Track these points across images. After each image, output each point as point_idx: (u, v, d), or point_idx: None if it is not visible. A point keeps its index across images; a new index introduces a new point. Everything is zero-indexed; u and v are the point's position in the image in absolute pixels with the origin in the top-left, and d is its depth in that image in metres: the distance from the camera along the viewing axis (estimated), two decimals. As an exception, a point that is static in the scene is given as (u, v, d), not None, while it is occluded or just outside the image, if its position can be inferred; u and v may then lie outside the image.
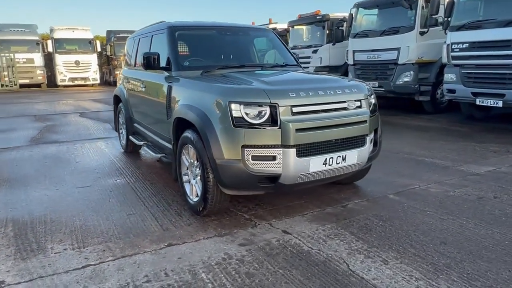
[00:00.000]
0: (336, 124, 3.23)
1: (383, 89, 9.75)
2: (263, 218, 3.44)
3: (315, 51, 12.16)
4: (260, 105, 3.04)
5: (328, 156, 3.19)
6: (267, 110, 3.04)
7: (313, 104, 3.17)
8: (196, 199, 3.46)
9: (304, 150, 3.10)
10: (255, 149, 3.05)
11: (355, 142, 3.37)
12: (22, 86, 20.67)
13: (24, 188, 4.33)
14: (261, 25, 15.58)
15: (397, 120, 8.84)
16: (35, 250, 2.90)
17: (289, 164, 3.06)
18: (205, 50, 4.39)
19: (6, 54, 19.96)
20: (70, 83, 21.97)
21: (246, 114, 3.03)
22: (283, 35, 14.19)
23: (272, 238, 3.04)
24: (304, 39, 13.13)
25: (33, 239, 3.07)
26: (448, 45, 8.05)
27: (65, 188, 4.32)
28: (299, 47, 12.95)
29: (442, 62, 8.41)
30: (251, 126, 3.03)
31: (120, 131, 6.18)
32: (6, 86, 20.18)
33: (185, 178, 3.65)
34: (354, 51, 10.55)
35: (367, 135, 3.44)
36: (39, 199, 3.97)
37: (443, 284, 2.39)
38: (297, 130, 3.04)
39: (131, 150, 5.86)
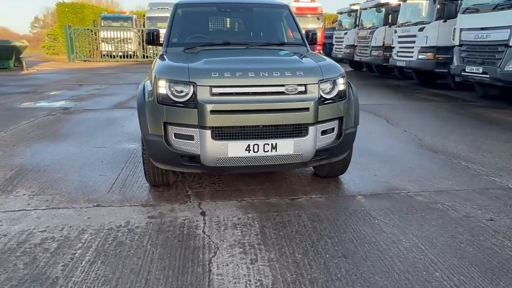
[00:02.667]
0: (263, 109, 2.99)
1: (488, 76, 8.10)
2: (201, 197, 3.45)
3: (421, 29, 10.74)
4: (181, 83, 3.02)
5: (252, 142, 3.00)
6: (189, 89, 3.00)
7: (237, 86, 2.99)
8: (148, 169, 3.67)
9: (221, 133, 2.99)
10: (176, 127, 3.07)
11: (291, 130, 3.06)
12: (163, 58, 23.60)
13: (60, 142, 5.21)
14: (374, -1, 14.36)
15: (490, 114, 7.33)
16: (7, 191, 3.56)
17: (206, 146, 2.99)
18: (202, 27, 4.44)
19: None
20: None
21: (171, 91, 3.06)
22: (396, 11, 12.85)
23: (182, 217, 3.06)
24: (414, 15, 11.65)
25: (15, 183, 3.75)
26: None
27: (87, 146, 5.03)
28: (406, 24, 11.59)
29: None
30: (173, 103, 3.05)
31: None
32: (150, 57, 23.36)
33: (150, 149, 3.88)
34: (461, 30, 8.97)
35: (310, 124, 3.07)
36: (59, 152, 4.75)
37: (279, 298, 2.12)
38: (213, 111, 2.93)
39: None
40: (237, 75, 3.00)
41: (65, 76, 14.82)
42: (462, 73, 8.93)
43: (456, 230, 2.87)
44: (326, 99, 3.18)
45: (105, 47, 22.45)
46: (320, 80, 3.13)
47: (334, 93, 3.23)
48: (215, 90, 2.98)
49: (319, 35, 22.64)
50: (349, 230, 2.86)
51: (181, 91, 3.03)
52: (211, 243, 2.68)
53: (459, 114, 7.41)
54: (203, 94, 2.97)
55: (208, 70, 3.04)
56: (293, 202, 3.37)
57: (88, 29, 22.39)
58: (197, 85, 2.97)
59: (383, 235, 2.79)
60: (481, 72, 8.29)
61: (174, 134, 3.09)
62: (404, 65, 11.65)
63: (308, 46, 4.35)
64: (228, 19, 4.55)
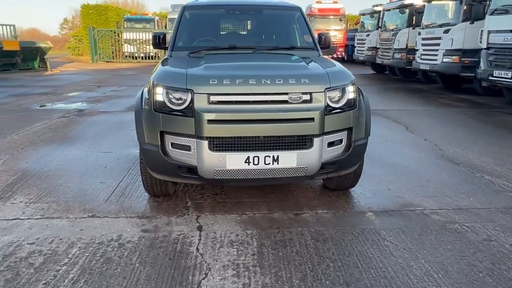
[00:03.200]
0: (265, 119, 2.79)
1: (517, 81, 7.65)
2: (200, 209, 3.28)
3: (446, 31, 10.28)
4: (179, 90, 2.86)
5: (252, 154, 2.81)
6: (187, 97, 2.84)
7: (236, 94, 2.80)
8: (147, 178, 3.52)
9: (219, 144, 2.81)
10: (174, 137, 2.91)
11: (294, 142, 2.85)
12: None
13: (68, 146, 5.16)
14: None
15: (518, 123, 6.88)
16: (4, 198, 3.48)
17: (203, 157, 2.82)
18: (209, 30, 4.27)
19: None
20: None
21: (168, 98, 2.90)
22: (420, 12, 12.40)
23: (178, 232, 2.90)
24: (439, 17, 11.18)
25: (14, 189, 3.68)
26: None
27: (93, 150, 4.95)
28: (431, 26, 11.14)
29: None
30: (170, 112, 2.89)
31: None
32: (171, 58, 23.48)
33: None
34: (489, 32, 8.51)
35: (315, 135, 2.86)
36: (64, 157, 4.68)
37: (269, 332, 1.92)
38: (210, 121, 2.76)
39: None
40: (237, 82, 2.82)
41: (86, 77, 15.03)
42: (490, 78, 8.48)
43: (474, 256, 2.59)
44: (334, 109, 2.96)
45: (127, 48, 22.69)
46: (327, 88, 2.91)
47: (343, 102, 3.00)
48: (213, 98, 2.80)
49: (341, 37, 22.39)
50: (354, 253, 2.63)
51: (179, 99, 2.87)
52: (203, 262, 2.50)
53: (485, 122, 6.99)
54: (200, 102, 2.80)
55: (206, 76, 2.87)
56: (297, 217, 3.15)
57: (111, 31, 22.70)
58: (194, 93, 2.80)
59: (392, 260, 2.54)
60: (510, 77, 7.84)
61: (171, 143, 2.94)
62: (428, 68, 11.20)
63: (319, 50, 4.12)
64: (237, 22, 4.38)
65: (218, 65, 3.26)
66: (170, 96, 2.89)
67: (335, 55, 21.88)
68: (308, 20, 4.37)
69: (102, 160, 4.55)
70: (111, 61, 22.54)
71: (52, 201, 3.42)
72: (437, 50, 10.64)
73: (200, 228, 2.95)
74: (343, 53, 22.38)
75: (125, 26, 23.80)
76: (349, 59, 21.37)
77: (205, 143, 2.79)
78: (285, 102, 2.84)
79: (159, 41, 4.19)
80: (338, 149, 3.05)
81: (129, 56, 22.81)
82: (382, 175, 4.11)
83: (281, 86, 2.83)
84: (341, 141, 3.05)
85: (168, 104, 2.89)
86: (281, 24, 4.35)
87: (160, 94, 2.92)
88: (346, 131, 3.06)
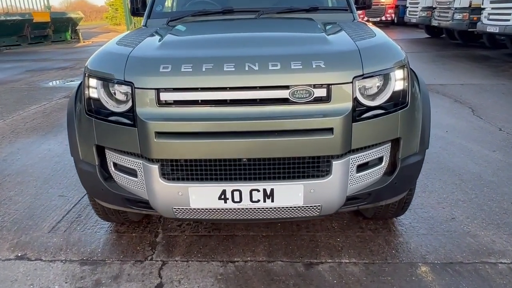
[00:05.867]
0: (249, 130, 1.68)
1: None
2: (171, 249, 2.29)
3: (525, -16, 8.29)
4: (117, 82, 1.81)
5: (229, 186, 1.73)
6: (129, 92, 1.79)
7: (203, 89, 1.70)
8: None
9: (177, 171, 1.75)
10: (115, 154, 1.90)
11: (299, 167, 1.74)
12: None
13: (49, 138, 4.34)
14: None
15: None
16: None
17: (154, 189, 1.79)
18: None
19: None
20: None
21: (106, 95, 1.87)
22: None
23: (124, 295, 1.94)
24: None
25: (-49, 205, 2.89)
26: None
27: (75, 145, 4.10)
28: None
29: None
30: (108, 116, 1.86)
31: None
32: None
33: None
34: None
35: (336, 156, 1.72)
36: (37, 154, 3.86)
37: None
38: (161, 134, 1.70)
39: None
40: (204, 69, 1.71)
41: (114, 48, 14.34)
42: None
43: None
44: (369, 109, 1.78)
45: (161, 17, 21.80)
46: (358, 75, 1.73)
47: (385, 97, 1.81)
48: (165, 95, 1.72)
49: (391, -5, 20.00)
50: None
51: (119, 95, 1.83)
52: None
53: None
54: (145, 103, 1.73)
55: (155, 60, 1.78)
56: (309, 272, 2.07)
57: (144, -2, 21.83)
58: (135, 87, 1.74)
59: None
60: None
61: (113, 163, 1.93)
62: (498, 31, 9.27)
63: (355, 12, 2.87)
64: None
65: (184, 39, 2.15)
66: (111, 91, 1.85)
67: (383, 18, 19.72)
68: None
69: (78, 160, 3.67)
70: (145, 31, 21.82)
71: (-15, 227, 2.59)
72: (511, 8, 8.70)
73: (158, 290, 1.97)
74: (393, 15, 20.06)
75: (159, -7, 22.82)
76: (400, 22, 19.16)
77: (155, 168, 1.75)
78: (285, 101, 1.70)
79: (137, 6, 3.13)
80: (375, 173, 1.89)
81: (164, 25, 21.95)
82: (442, 190, 2.90)
83: (277, 74, 1.69)
84: (380, 159, 1.89)
85: (106, 104, 1.86)
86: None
87: (94, 88, 1.89)
88: (389, 144, 1.89)
